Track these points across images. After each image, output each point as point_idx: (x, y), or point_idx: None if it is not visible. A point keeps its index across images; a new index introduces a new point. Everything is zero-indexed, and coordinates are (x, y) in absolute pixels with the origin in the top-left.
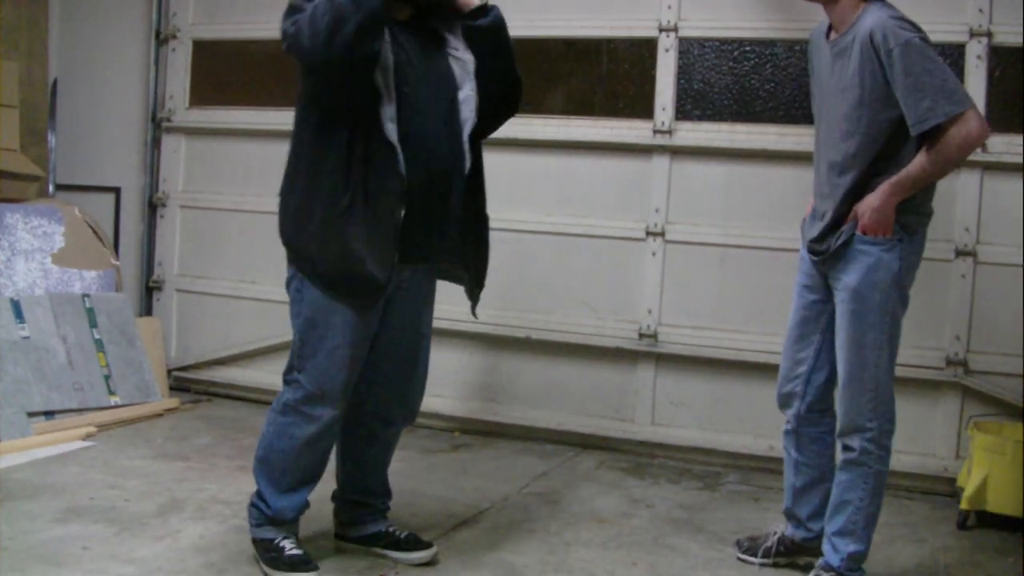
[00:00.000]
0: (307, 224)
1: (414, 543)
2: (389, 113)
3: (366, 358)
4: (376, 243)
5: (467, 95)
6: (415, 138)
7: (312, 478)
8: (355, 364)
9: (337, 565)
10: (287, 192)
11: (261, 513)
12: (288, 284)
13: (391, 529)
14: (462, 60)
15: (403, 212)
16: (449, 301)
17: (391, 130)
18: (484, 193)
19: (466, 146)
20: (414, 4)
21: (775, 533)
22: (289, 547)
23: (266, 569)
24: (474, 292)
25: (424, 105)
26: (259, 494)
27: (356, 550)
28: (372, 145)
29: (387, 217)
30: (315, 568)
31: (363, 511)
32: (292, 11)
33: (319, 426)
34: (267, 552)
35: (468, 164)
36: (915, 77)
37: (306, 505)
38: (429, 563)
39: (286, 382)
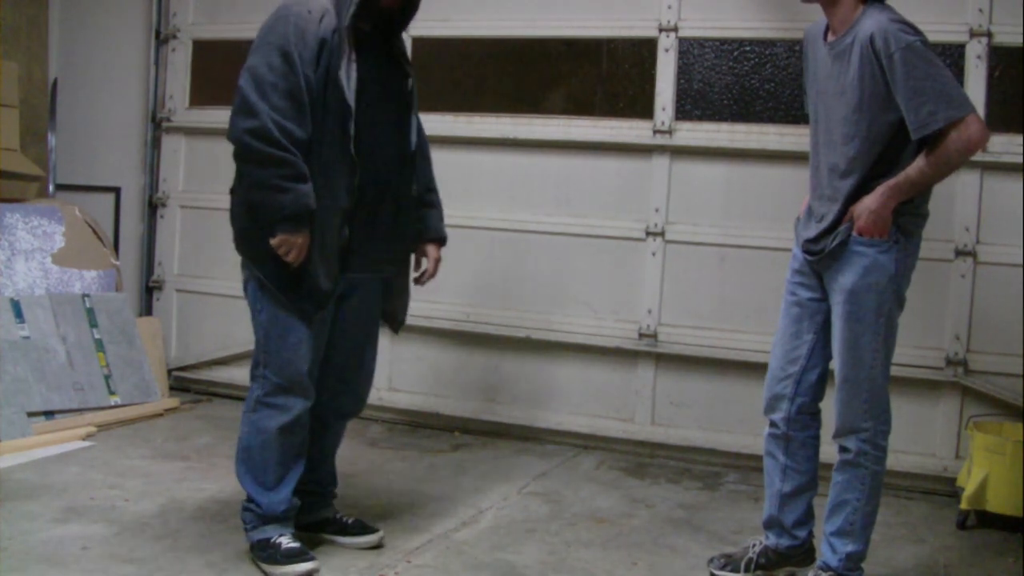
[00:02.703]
0: (261, 224)
1: (360, 528)
2: (351, 128)
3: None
4: (325, 256)
5: (415, 119)
6: (367, 152)
7: (294, 469)
8: (316, 354)
9: (337, 564)
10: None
11: (253, 515)
12: (245, 287)
13: (338, 515)
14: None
15: (348, 231)
16: (450, 302)
17: (351, 146)
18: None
19: (412, 163)
20: (374, 17)
21: (754, 545)
22: (286, 542)
23: (265, 568)
24: (400, 305)
25: (379, 120)
26: (248, 498)
27: (355, 551)
28: (333, 155)
29: (335, 233)
30: (312, 558)
31: (310, 499)
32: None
33: (291, 415)
34: (264, 551)
35: (413, 184)
36: (916, 81)
37: (295, 499)
38: (376, 546)
39: (254, 378)
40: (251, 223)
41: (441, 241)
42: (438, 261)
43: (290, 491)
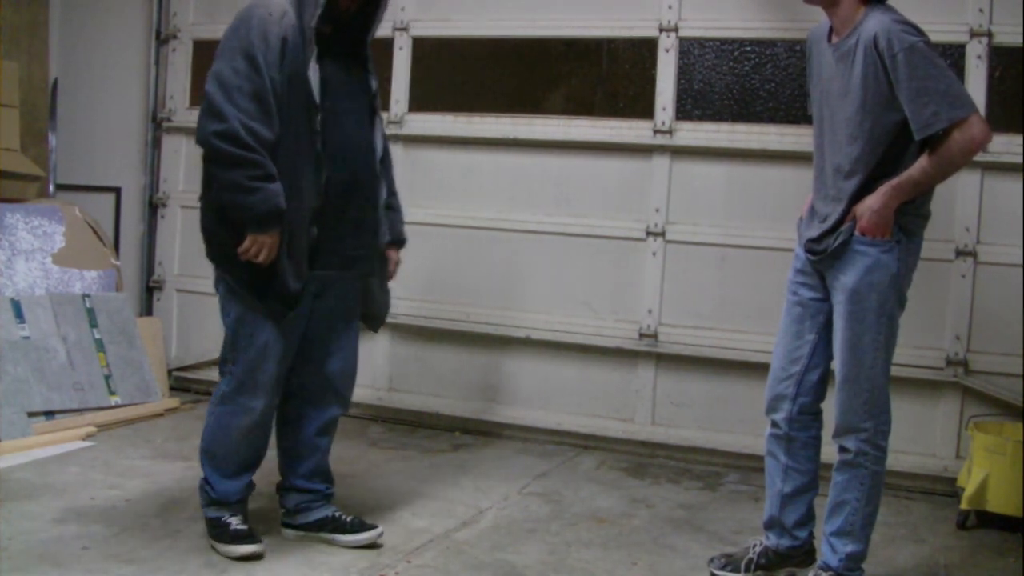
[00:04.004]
0: (230, 227)
1: (359, 526)
2: (317, 126)
3: (297, 348)
4: (294, 257)
5: (380, 122)
6: (333, 150)
7: (252, 464)
8: (285, 357)
9: (338, 564)
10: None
11: (208, 495)
12: (216, 284)
13: (337, 514)
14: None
15: (316, 230)
16: (450, 302)
17: (318, 144)
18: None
19: (378, 161)
20: (335, 20)
21: (755, 545)
22: (235, 523)
23: (213, 543)
24: (381, 304)
25: (343, 118)
26: (205, 479)
27: (356, 551)
28: (300, 155)
29: (304, 232)
30: (257, 541)
31: (308, 497)
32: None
33: (253, 417)
34: (215, 528)
35: (380, 181)
36: (919, 82)
37: (250, 487)
38: (373, 545)
39: (222, 373)
40: (219, 227)
41: (401, 244)
42: (397, 264)
43: (246, 481)
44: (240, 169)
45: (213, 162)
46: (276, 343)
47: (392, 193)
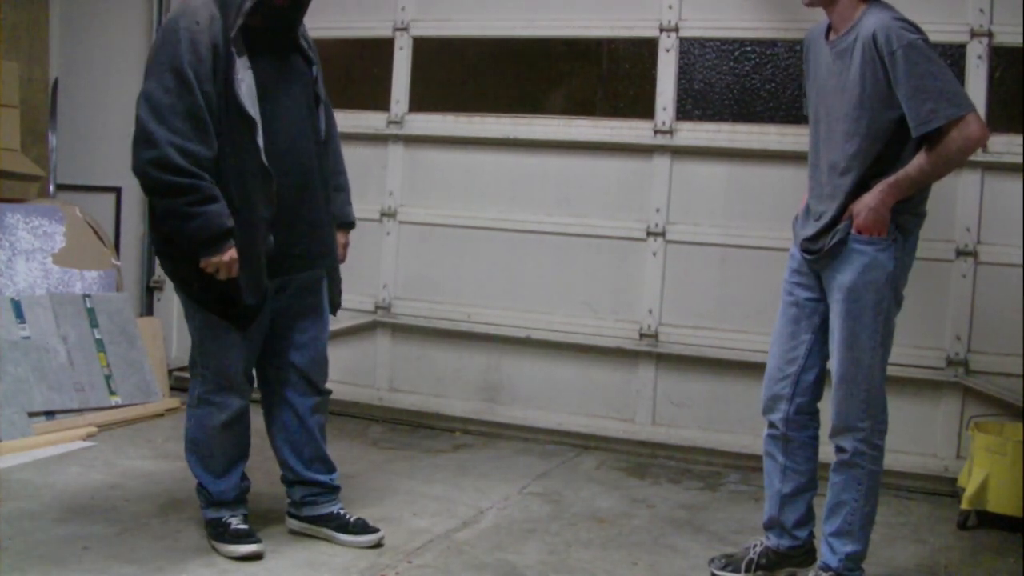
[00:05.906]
0: (178, 251)
1: (361, 527)
2: (259, 140)
3: (265, 342)
4: (251, 271)
5: (323, 107)
6: (280, 156)
7: (239, 459)
8: (252, 354)
9: (339, 564)
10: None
11: (205, 498)
12: (177, 290)
13: (341, 512)
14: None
15: (272, 238)
16: (450, 302)
17: (262, 154)
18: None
19: (325, 152)
20: (266, 14)
21: (756, 546)
22: (235, 523)
23: (214, 544)
24: (334, 290)
25: (287, 120)
26: (200, 483)
27: (357, 550)
28: (245, 168)
29: (260, 244)
30: (257, 541)
31: (314, 490)
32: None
33: (229, 413)
34: (215, 529)
35: (325, 173)
36: (918, 79)
37: (245, 483)
38: (375, 546)
39: (192, 374)
40: (169, 249)
41: (349, 226)
42: (346, 247)
43: (238, 477)
44: (178, 197)
45: (150, 191)
46: (241, 344)
47: (338, 173)
